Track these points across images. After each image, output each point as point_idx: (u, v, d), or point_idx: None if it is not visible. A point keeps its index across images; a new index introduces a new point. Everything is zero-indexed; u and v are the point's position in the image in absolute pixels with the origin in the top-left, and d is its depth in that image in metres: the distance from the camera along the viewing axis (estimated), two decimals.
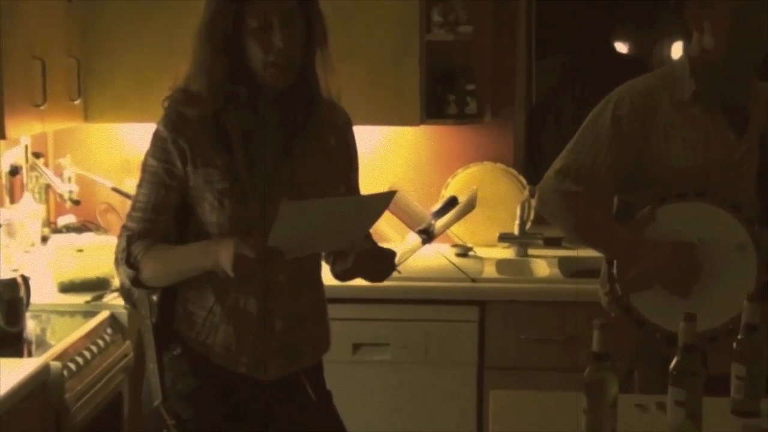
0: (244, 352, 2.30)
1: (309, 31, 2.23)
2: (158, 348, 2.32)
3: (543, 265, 3.86)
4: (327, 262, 2.45)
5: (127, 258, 2.24)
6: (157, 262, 2.23)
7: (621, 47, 4.73)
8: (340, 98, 2.35)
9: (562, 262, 3.87)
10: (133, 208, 2.29)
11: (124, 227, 2.30)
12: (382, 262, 2.25)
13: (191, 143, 2.22)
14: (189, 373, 2.31)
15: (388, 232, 3.91)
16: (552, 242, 4.07)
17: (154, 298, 2.34)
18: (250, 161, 2.23)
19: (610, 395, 2.01)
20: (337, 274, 2.42)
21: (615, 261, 2.62)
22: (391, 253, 2.25)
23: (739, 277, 2.50)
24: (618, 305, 2.61)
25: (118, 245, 2.29)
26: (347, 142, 2.43)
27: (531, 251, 4.02)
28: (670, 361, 2.11)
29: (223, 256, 2.07)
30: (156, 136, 2.26)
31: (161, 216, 2.27)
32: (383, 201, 2.19)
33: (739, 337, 2.23)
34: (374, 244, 2.35)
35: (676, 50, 4.75)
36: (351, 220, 2.17)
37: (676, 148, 2.58)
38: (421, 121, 3.87)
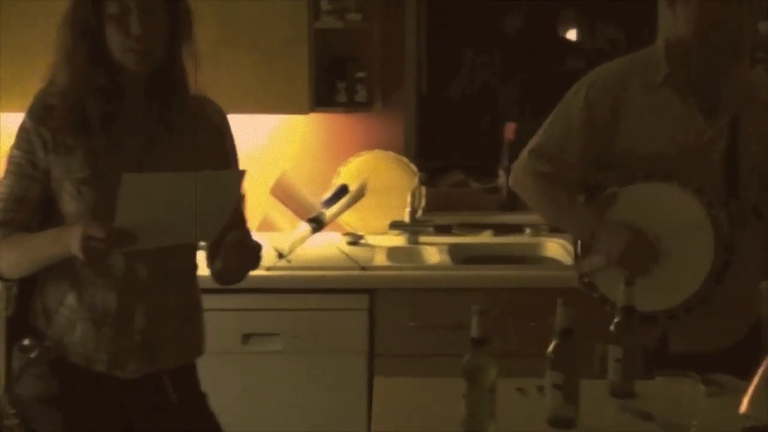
0: (102, 348, 2.26)
1: (172, 22, 2.22)
2: (8, 340, 2.28)
3: (433, 253, 3.87)
4: (208, 265, 2.44)
5: None
6: (11, 250, 2.21)
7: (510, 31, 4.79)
8: (207, 93, 2.35)
9: (453, 249, 3.89)
10: None
11: None
12: (249, 252, 2.25)
13: (54, 132, 2.21)
14: (47, 375, 2.27)
15: (279, 220, 3.88)
16: (442, 230, 4.10)
17: (14, 291, 2.30)
18: (112, 150, 2.21)
19: (489, 380, 2.03)
20: (216, 275, 2.42)
21: (579, 240, 2.70)
22: (257, 245, 2.26)
23: (698, 257, 2.57)
24: (582, 283, 2.68)
25: None
26: (222, 140, 2.40)
27: (422, 239, 4.03)
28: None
29: (73, 239, 2.04)
30: (21, 127, 2.25)
31: (22, 207, 2.24)
32: (234, 179, 2.16)
33: (616, 320, 2.27)
34: (245, 234, 2.31)
35: (571, 35, 4.83)
36: (202, 201, 2.11)
37: (645, 131, 2.64)
38: (311, 109, 3.85)
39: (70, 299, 2.25)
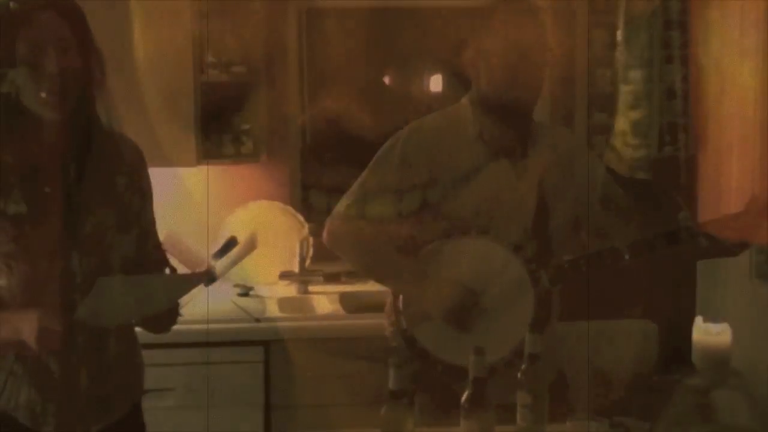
0: (50, 411, 2.21)
1: (85, 65, 2.14)
2: None
3: (325, 302, 3.89)
4: None
5: None
6: None
7: (392, 83, 4.86)
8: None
9: (344, 298, 3.91)
10: None
11: None
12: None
13: None
14: None
15: None
16: (331, 278, 4.12)
17: None
18: (36, 214, 2.12)
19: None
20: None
21: (401, 294, 2.68)
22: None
23: (517, 312, 2.59)
24: (402, 337, 2.68)
25: None
26: (140, 180, 2.34)
27: (312, 288, 4.05)
28: (450, 389, 2.27)
29: (26, 329, 2.00)
30: None
31: None
32: (197, 280, 2.26)
33: (523, 366, 2.33)
34: None
35: (435, 83, 4.91)
36: (160, 294, 2.22)
37: (460, 187, 2.65)
38: (198, 162, 3.85)
39: (14, 365, 2.17)
